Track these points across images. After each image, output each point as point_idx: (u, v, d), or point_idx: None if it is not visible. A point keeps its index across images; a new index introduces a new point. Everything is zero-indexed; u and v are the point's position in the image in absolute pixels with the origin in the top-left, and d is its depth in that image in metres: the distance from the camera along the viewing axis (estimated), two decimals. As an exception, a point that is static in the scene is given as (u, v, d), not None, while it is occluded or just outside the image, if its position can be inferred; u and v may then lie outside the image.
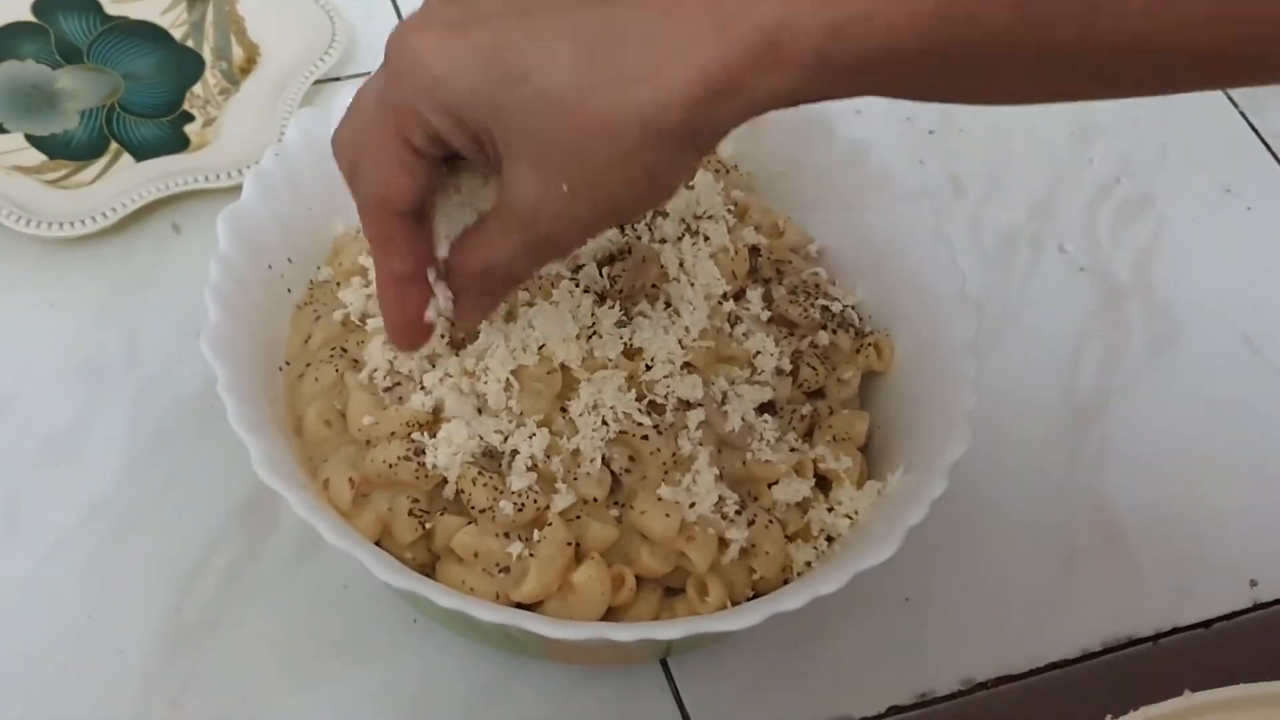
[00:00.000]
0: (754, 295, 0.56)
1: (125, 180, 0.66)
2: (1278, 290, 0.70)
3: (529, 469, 0.50)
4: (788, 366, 0.55)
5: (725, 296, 0.55)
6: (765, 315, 0.55)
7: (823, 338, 0.56)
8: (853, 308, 0.57)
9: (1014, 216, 0.71)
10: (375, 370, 0.53)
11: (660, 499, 0.51)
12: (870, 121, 0.63)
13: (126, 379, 0.62)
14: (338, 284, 0.56)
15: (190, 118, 0.70)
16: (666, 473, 0.51)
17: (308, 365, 0.54)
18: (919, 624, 0.58)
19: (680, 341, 0.53)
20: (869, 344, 0.57)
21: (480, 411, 0.51)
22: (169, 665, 0.55)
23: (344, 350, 0.54)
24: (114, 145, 0.67)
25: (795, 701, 0.56)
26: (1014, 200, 0.72)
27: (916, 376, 0.56)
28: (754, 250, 0.57)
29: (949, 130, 0.74)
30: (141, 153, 0.67)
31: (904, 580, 0.59)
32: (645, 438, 0.51)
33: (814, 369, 0.55)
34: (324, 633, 0.56)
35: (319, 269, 0.57)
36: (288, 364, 0.55)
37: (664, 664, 0.56)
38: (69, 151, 0.67)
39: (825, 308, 0.56)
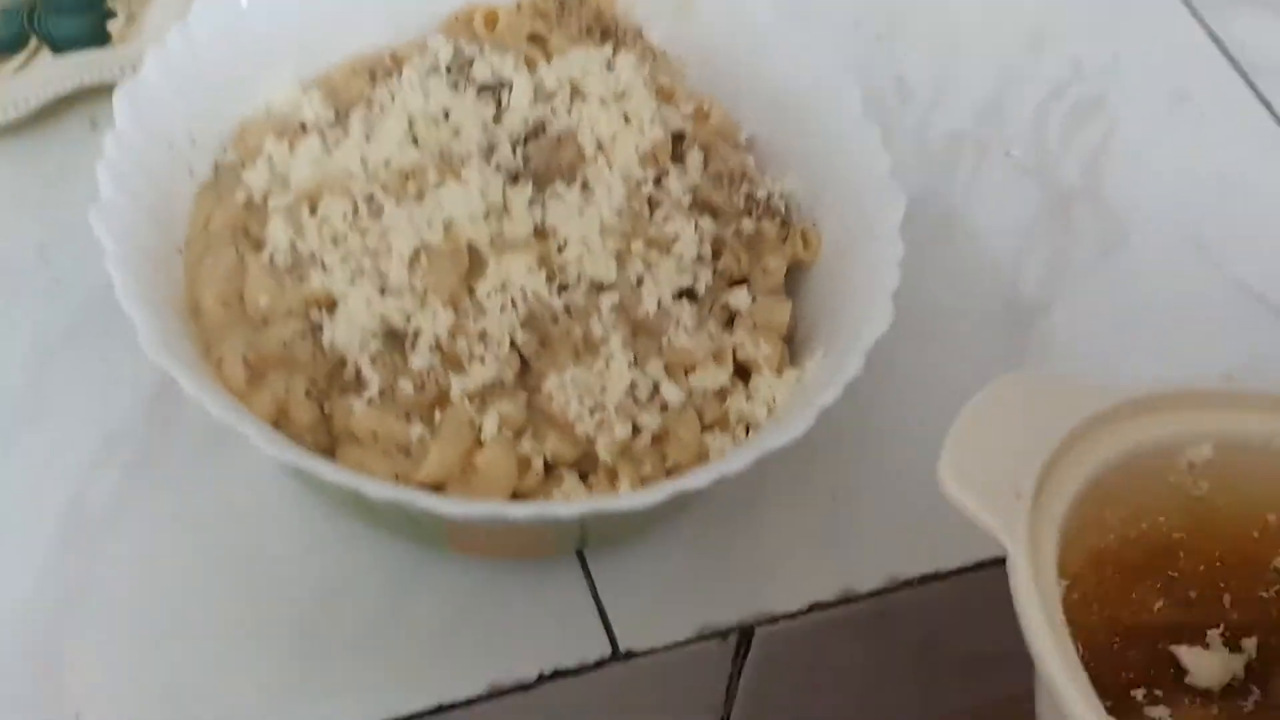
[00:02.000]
0: (676, 179, 0.54)
1: (42, 73, 0.63)
2: (1231, 196, 0.68)
3: (432, 349, 0.48)
4: (709, 253, 0.53)
5: (645, 180, 0.53)
6: (687, 200, 0.53)
7: (747, 225, 0.54)
8: (780, 196, 0.55)
9: (960, 119, 0.69)
10: (276, 250, 0.51)
11: (570, 382, 0.49)
12: (816, 27, 0.61)
13: (36, 276, 0.60)
14: (242, 164, 0.54)
15: (113, 14, 0.67)
16: (577, 356, 0.49)
17: (207, 248, 0.52)
18: (845, 521, 0.56)
19: (594, 223, 0.51)
20: (795, 233, 0.55)
21: (383, 292, 0.49)
22: (70, 555, 0.53)
23: (246, 232, 0.52)
24: (33, 40, 0.65)
25: (716, 599, 0.54)
26: (961, 105, 0.70)
27: (843, 265, 0.54)
28: (678, 136, 0.55)
29: (896, 36, 0.72)
30: (61, 47, 0.65)
31: (830, 476, 0.57)
32: (555, 319, 0.49)
33: (737, 257, 0.53)
34: (229, 527, 0.54)
35: (224, 151, 0.55)
36: (187, 247, 0.53)
37: (581, 561, 0.54)
38: (-13, 45, 0.64)
39: (750, 194, 0.54)
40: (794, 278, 0.55)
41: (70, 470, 0.55)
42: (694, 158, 0.55)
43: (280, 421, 0.48)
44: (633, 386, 0.49)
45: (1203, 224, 0.67)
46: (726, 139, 0.56)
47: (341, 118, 0.55)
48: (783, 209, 0.55)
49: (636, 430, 0.49)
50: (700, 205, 0.54)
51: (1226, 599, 0.45)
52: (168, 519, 0.54)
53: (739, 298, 0.53)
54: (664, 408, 0.50)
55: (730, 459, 0.46)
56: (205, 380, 0.47)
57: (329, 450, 0.49)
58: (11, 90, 0.63)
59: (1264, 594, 0.45)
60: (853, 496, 0.57)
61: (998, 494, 0.39)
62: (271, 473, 0.55)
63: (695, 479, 0.46)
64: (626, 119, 0.53)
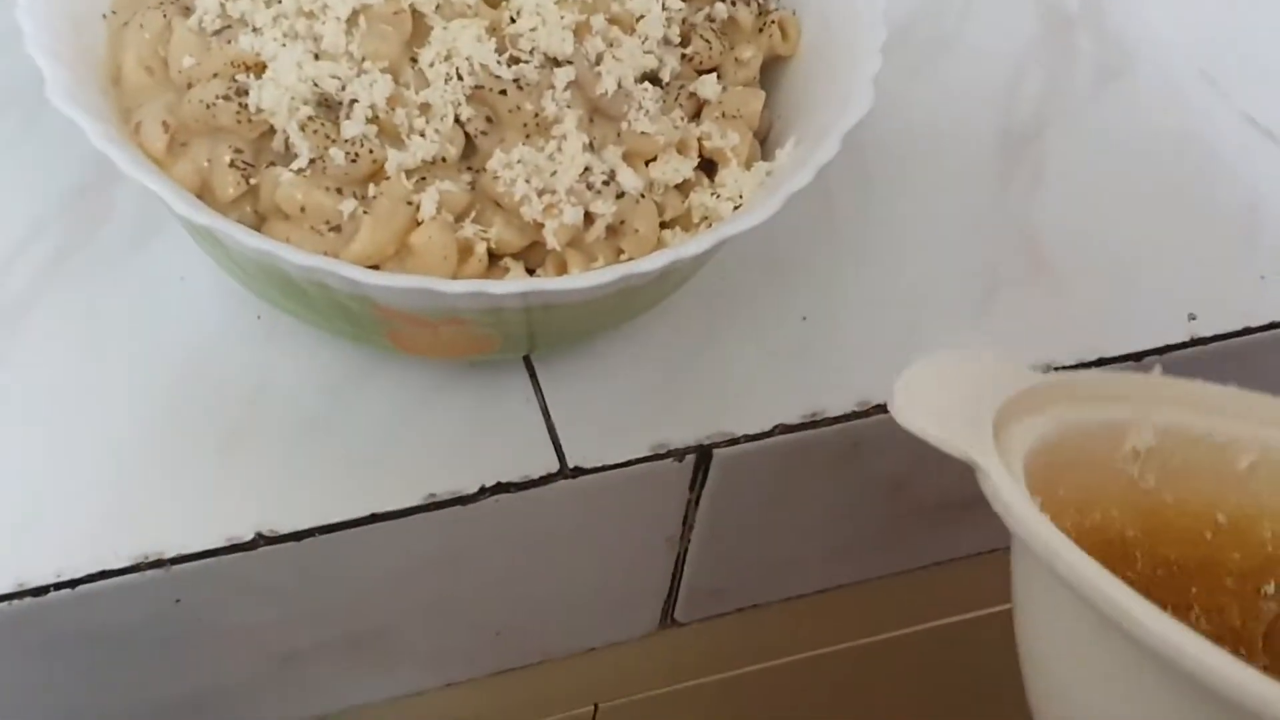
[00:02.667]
0: (643, -45, 0.49)
1: None
2: (1239, 26, 0.63)
3: (368, 119, 0.44)
4: (677, 38, 0.49)
5: (609, -50, 0.48)
6: (655, -24, 0.49)
7: (720, 10, 0.50)
8: (755, -19, 0.51)
9: (959, -63, 0.65)
10: (205, 13, 0.46)
11: (518, 162, 0.45)
12: None
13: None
14: (178, -82, 0.49)
15: None
16: (528, 136, 0.45)
17: (134, 14, 0.48)
18: (816, 343, 0.52)
19: (549, -8, 0.46)
20: (772, 21, 0.51)
21: (317, 57, 0.45)
22: (-24, 346, 0.49)
23: (174, -4, 0.47)
24: None
25: (674, 418, 0.50)
26: (960, -79, 0.65)
27: (821, 57, 0.50)
28: (648, -95, 0.51)
29: None
30: None
31: (803, 298, 0.53)
32: (504, 93, 0.45)
33: (708, 43, 0.49)
34: (155, 325, 0.51)
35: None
36: (113, 13, 0.48)
37: (529, 369, 0.51)
38: None
39: (724, -26, 0.50)
40: (771, 71, 0.51)
41: (-16, 258, 0.51)
42: None
43: (204, 194, 0.44)
44: (586, 171, 0.45)
45: (1211, 57, 0.63)
46: (701, -83, 0.52)
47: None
48: (759, -3, 0.51)
49: (589, 219, 0.45)
50: (671, -15, 0.50)
51: (1195, 614, 0.42)
52: (90, 312, 0.51)
53: (707, 86, 0.49)
54: (620, 196, 0.46)
55: (688, 243, 0.42)
56: (119, 139, 0.43)
57: (255, 228, 0.45)
58: None
59: (1227, 604, 0.42)
60: (826, 317, 0.53)
61: (958, 422, 0.36)
62: (202, 267, 0.51)
63: (648, 262, 0.42)
64: (595, -113, 0.49)
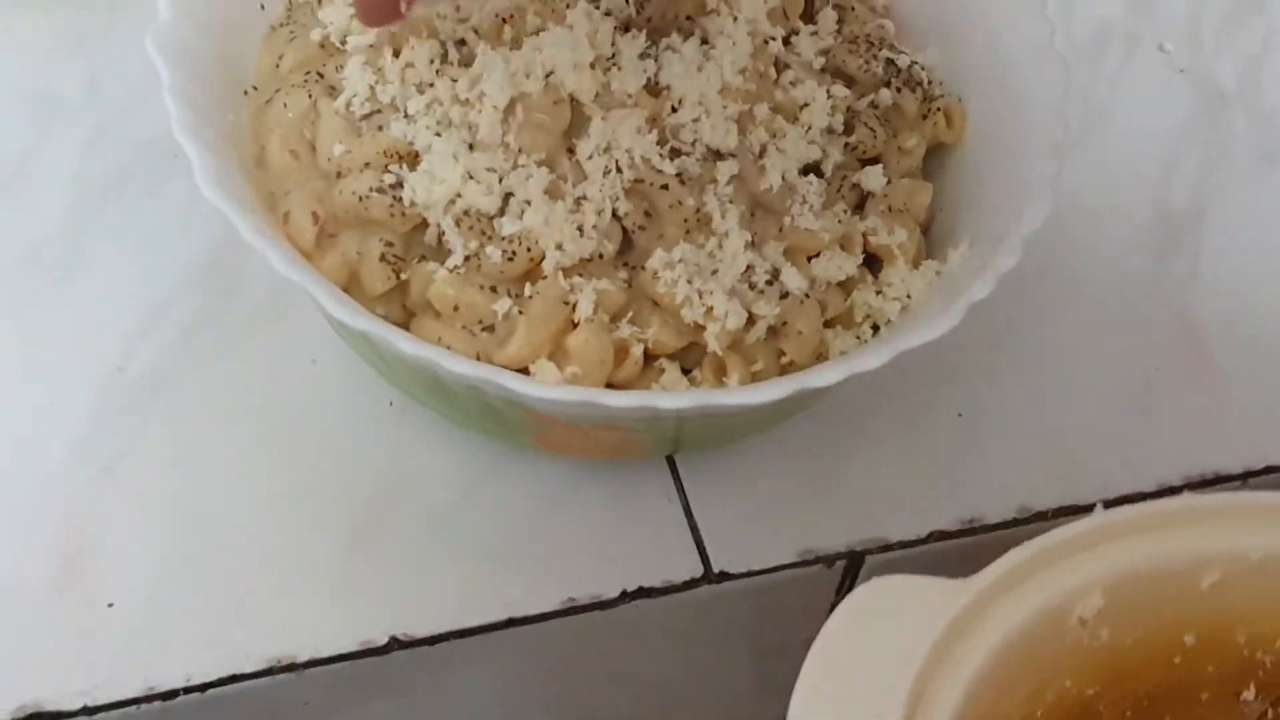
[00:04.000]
0: (806, 40, 0.47)
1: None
2: None
3: (525, 214, 0.42)
4: (840, 125, 0.46)
5: (773, 38, 0.46)
6: (818, 64, 0.47)
7: (885, 97, 0.47)
8: (921, 66, 0.49)
9: (1108, 9, 0.62)
10: (354, 96, 0.45)
11: (679, 261, 0.42)
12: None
13: (83, 115, 0.54)
14: (319, 2, 0.48)
15: None
16: (688, 232, 0.43)
17: (277, 91, 0.46)
18: (972, 443, 0.50)
19: (714, 82, 0.44)
20: (937, 109, 0.48)
21: (471, 147, 0.43)
22: (106, 428, 0.47)
23: (320, 75, 0.46)
24: None
25: (823, 520, 0.48)
26: (1108, -9, 0.63)
27: (991, 148, 0.47)
28: (810, -9, 0.48)
29: (1040, -88, 0.64)
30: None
31: (958, 393, 0.51)
32: (665, 188, 0.43)
33: (872, 131, 0.47)
34: (284, 408, 0.49)
35: (300, -14, 0.49)
36: (255, 89, 0.47)
37: (672, 468, 0.48)
38: None
39: (890, 61, 0.48)
40: (933, 160, 0.49)
41: (110, 337, 0.49)
42: (827, 17, 0.48)
43: (350, 287, 0.42)
44: (749, 270, 0.43)
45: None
46: (863, 0, 0.50)
47: (432, -46, 0.48)
48: (924, 81, 0.48)
49: (750, 320, 0.43)
50: (833, 71, 0.47)
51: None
52: (216, 394, 0.49)
53: (872, 178, 0.46)
54: (783, 296, 0.43)
55: (863, 354, 0.40)
56: (268, 231, 0.41)
57: (403, 324, 0.44)
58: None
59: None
60: (981, 415, 0.51)
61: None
62: (334, 349, 0.49)
63: (823, 374, 0.40)
64: (753, -31, 0.47)
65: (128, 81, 0.55)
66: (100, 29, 0.56)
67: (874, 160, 0.47)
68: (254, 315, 0.50)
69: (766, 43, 0.46)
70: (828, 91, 0.46)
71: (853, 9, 0.49)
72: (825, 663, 0.35)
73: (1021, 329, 0.52)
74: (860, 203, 0.47)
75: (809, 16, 0.48)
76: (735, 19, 0.46)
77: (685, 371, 0.44)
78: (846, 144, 0.47)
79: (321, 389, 0.49)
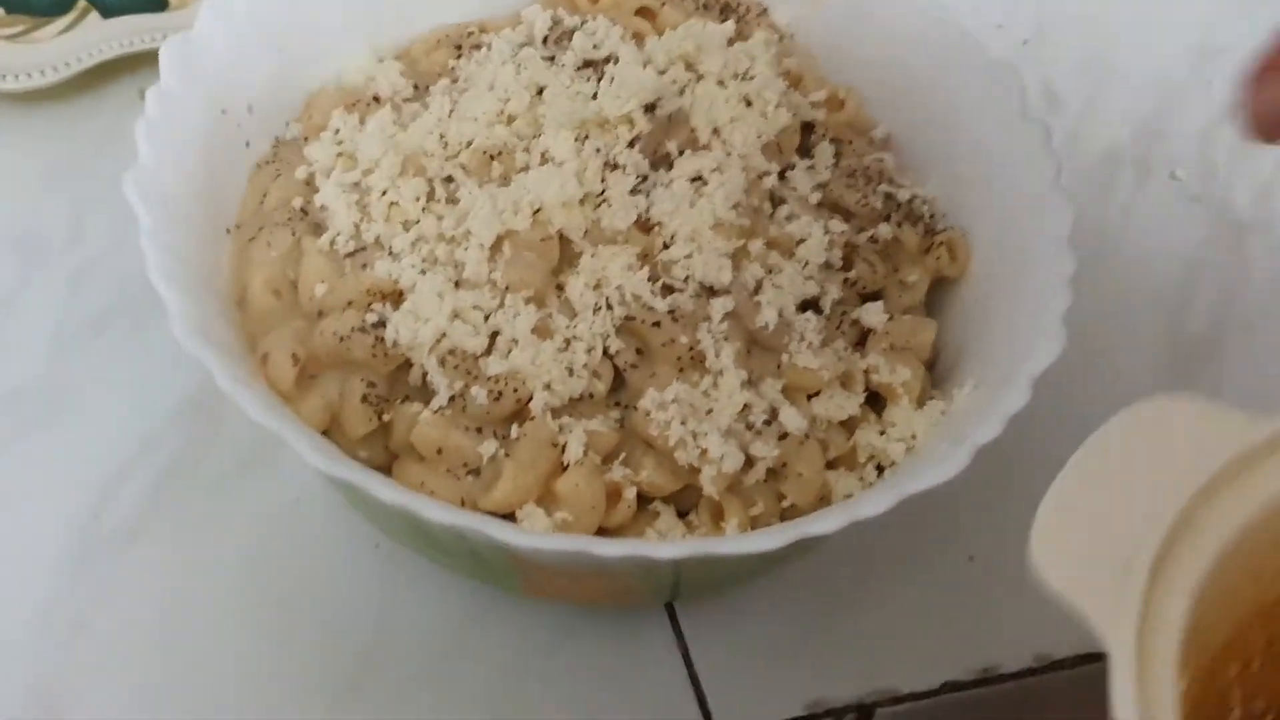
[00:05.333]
0: (802, 173, 0.46)
1: (89, 36, 0.57)
2: None
3: (512, 353, 0.41)
4: (839, 261, 0.45)
5: (768, 173, 0.45)
6: (815, 198, 0.46)
7: (884, 231, 0.46)
8: (922, 199, 0.47)
9: (1116, 135, 0.61)
10: (338, 234, 0.43)
11: (672, 401, 0.41)
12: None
13: (66, 256, 0.53)
14: (305, 139, 0.47)
15: (171, -20, 0.61)
16: (682, 370, 0.42)
17: (260, 229, 0.45)
18: (985, 588, 0.48)
19: (707, 217, 0.43)
20: (940, 242, 0.47)
21: (457, 285, 0.42)
22: (79, 578, 0.46)
23: (304, 212, 0.45)
24: (81, 2, 0.59)
25: (830, 670, 0.46)
26: (1117, 118, 0.61)
27: (997, 283, 0.46)
28: (807, 126, 0.47)
29: (1045, 41, 0.64)
30: (112, 10, 0.58)
31: (968, 536, 0.49)
32: (657, 325, 0.42)
33: (871, 266, 0.45)
34: (267, 555, 0.47)
35: (287, 125, 0.48)
36: (238, 227, 0.46)
37: (671, 613, 0.46)
38: (29, 6, 0.58)
39: (889, 195, 0.47)
40: (937, 294, 0.48)
41: (90, 480, 0.48)
42: (824, 151, 0.47)
43: (331, 430, 0.41)
44: (745, 409, 0.42)
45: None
46: (861, 133, 0.49)
47: (420, 91, 0.48)
48: (926, 214, 0.47)
49: (748, 461, 0.41)
50: (830, 205, 0.46)
51: None
52: (196, 542, 0.47)
53: (873, 314, 0.45)
54: (782, 436, 0.42)
55: (867, 499, 0.38)
56: (246, 376, 0.40)
57: (385, 467, 0.42)
58: (53, 52, 0.56)
59: None
60: (993, 557, 0.48)
61: (1101, 570, 0.31)
62: (318, 492, 0.48)
63: (824, 521, 0.38)
64: (748, 102, 0.46)
65: (113, 218, 0.53)
66: (85, 164, 0.55)
67: (874, 296, 0.46)
68: (237, 458, 0.49)
69: (761, 178, 0.45)
70: (825, 226, 0.45)
71: (850, 142, 0.48)
72: (1082, 476, 0.33)
73: (1031, 469, 0.50)
74: (861, 339, 0.45)
75: (805, 150, 0.47)
76: (729, 154, 0.45)
77: (681, 514, 0.42)
78: (845, 279, 0.45)
79: (306, 533, 0.48)
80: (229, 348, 0.41)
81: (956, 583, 0.48)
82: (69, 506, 0.47)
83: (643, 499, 0.41)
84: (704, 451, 0.41)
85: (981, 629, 0.47)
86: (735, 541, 0.38)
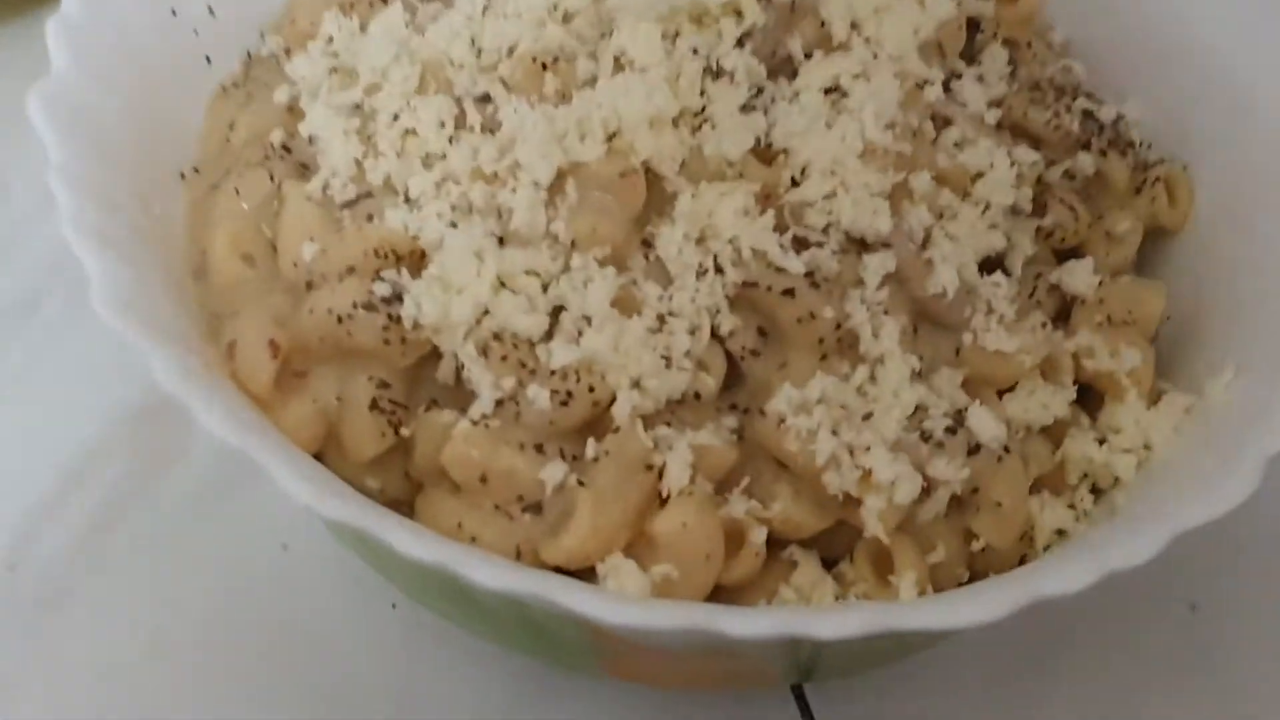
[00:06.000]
0: (971, 84, 0.34)
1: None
2: None
3: (585, 338, 0.29)
4: (1028, 204, 0.33)
5: (928, 81, 0.33)
6: (992, 118, 0.33)
7: (1084, 163, 0.34)
8: (1129, 123, 0.35)
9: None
10: (333, 175, 0.31)
11: (816, 402, 0.28)
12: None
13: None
14: (287, 53, 0.34)
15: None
16: (824, 358, 0.30)
17: (227, 172, 0.33)
18: (1211, 643, 0.36)
19: (852, 141, 0.31)
20: (1155, 179, 0.34)
21: (502, 241, 0.30)
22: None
23: (285, 149, 0.33)
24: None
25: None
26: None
27: (1236, 234, 0.34)
28: (972, 22, 0.35)
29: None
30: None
31: (1190, 579, 0.36)
32: (789, 294, 0.30)
33: (1071, 210, 0.33)
34: (242, 612, 0.36)
35: (262, 35, 0.36)
36: (195, 171, 0.33)
37: (799, 696, 0.34)
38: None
39: (1089, 114, 0.34)
40: (1148, 250, 0.35)
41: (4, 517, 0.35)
42: (995, 55, 0.35)
43: (328, 449, 0.31)
44: (919, 413, 0.29)
45: None
46: (1039, 35, 0.36)
47: (442, -17, 0.35)
48: (1136, 142, 0.35)
49: (926, 486, 0.29)
50: (1010, 127, 0.34)
51: None
52: (147, 595, 0.36)
53: (1078, 275, 0.33)
54: (972, 451, 0.29)
55: (1122, 541, 0.26)
56: (203, 372, 0.27)
57: (406, 501, 0.31)
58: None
59: None
60: (1220, 609, 0.36)
61: None
62: (314, 532, 0.35)
63: (1065, 575, 0.25)
64: (897, -14, 0.33)
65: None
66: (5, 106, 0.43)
67: (1073, 252, 0.33)
68: (200, 485, 0.38)
69: (920, 87, 0.32)
70: (1008, 154, 0.32)
71: (1028, 45, 0.35)
72: None
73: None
74: (1062, 311, 0.33)
75: (970, 56, 0.35)
76: (875, 55, 0.32)
77: (827, 563, 0.30)
78: (1038, 228, 0.33)
79: (297, 586, 0.37)
80: (178, 331, 0.29)
81: (1175, 636, 0.36)
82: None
83: (774, 542, 0.29)
84: (865, 474, 0.29)
85: (1206, 693, 0.34)
86: (934, 611, 0.25)
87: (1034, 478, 0.31)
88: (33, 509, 0.36)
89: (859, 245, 0.31)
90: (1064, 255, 0.34)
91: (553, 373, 0.29)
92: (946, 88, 0.34)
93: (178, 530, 0.36)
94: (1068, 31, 0.38)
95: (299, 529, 0.36)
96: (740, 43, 0.32)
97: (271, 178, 0.33)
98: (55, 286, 0.40)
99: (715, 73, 0.32)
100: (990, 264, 0.32)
